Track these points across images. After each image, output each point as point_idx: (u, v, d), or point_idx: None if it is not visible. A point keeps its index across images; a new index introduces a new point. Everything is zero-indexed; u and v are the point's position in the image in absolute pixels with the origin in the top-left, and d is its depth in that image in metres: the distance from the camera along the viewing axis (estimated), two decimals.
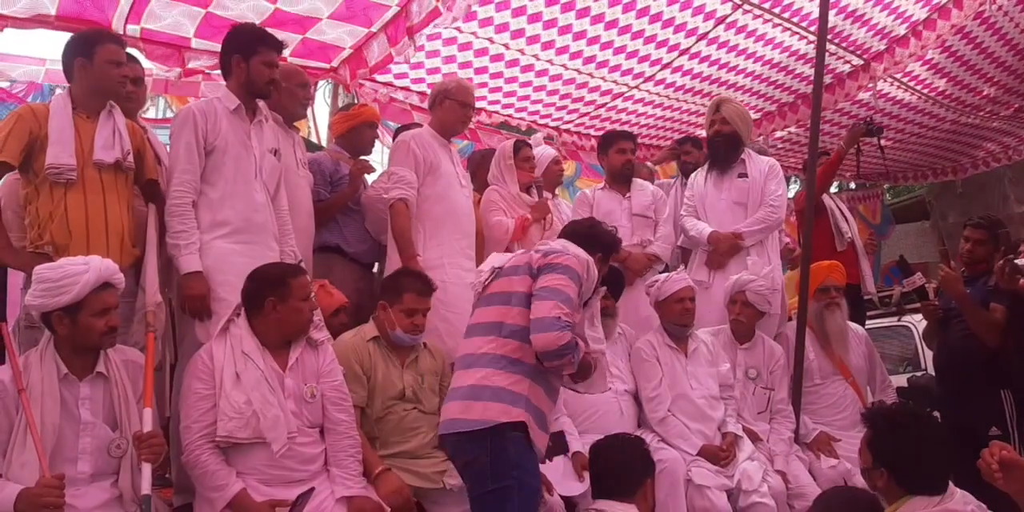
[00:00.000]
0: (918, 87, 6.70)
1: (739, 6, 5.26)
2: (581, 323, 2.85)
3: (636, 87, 6.07)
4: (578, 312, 2.78)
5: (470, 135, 6.33)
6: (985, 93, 6.98)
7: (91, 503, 2.47)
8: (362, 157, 4.24)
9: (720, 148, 4.51)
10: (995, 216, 4.36)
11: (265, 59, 3.20)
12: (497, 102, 6.00)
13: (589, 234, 2.96)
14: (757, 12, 5.36)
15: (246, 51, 3.18)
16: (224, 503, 2.60)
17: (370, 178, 4.19)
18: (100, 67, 3.00)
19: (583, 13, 5.03)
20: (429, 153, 3.75)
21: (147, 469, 2.49)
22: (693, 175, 4.71)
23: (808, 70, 5.90)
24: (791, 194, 5.99)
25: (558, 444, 3.10)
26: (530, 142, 4.64)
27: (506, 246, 4.11)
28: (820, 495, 2.78)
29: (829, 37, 5.65)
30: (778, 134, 7.02)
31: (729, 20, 5.41)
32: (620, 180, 4.69)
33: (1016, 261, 3.73)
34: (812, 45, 5.62)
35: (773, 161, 4.57)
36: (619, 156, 4.65)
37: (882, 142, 5.26)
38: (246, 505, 2.61)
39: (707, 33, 5.52)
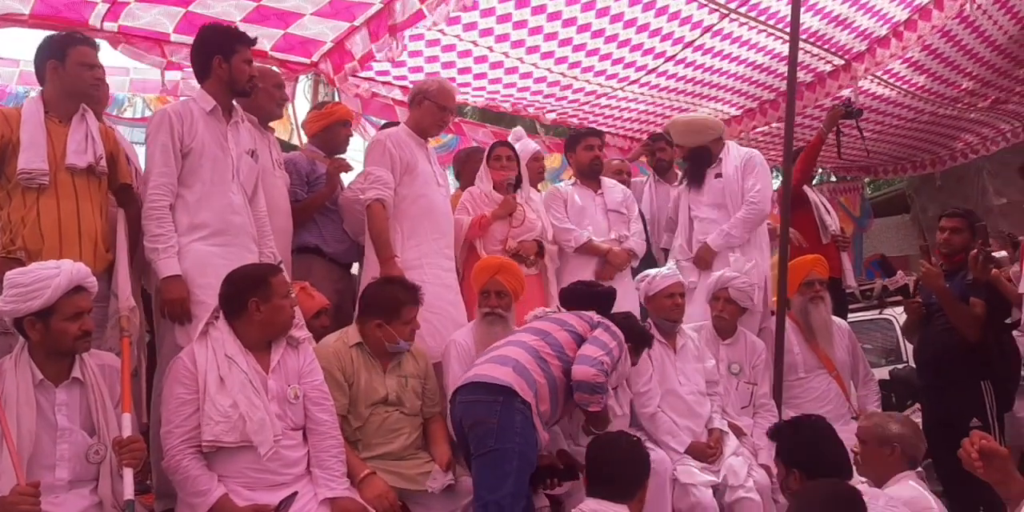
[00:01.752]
0: (898, 83, 6.74)
1: (725, 15, 5.32)
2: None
3: (620, 88, 6.12)
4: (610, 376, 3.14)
5: (454, 128, 6.32)
6: (963, 86, 7.03)
7: (70, 510, 2.44)
8: (338, 156, 4.22)
9: (690, 166, 4.60)
10: (970, 208, 4.40)
11: (245, 57, 3.20)
12: (480, 95, 5.98)
13: (627, 326, 3.37)
14: (743, 20, 5.42)
15: (226, 51, 3.16)
16: (206, 508, 2.59)
17: (347, 177, 4.17)
18: (73, 69, 2.98)
19: (569, 22, 5.07)
20: (406, 152, 3.72)
21: (128, 474, 2.47)
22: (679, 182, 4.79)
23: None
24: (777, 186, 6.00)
25: (571, 472, 3.16)
26: (509, 139, 4.63)
27: (463, 242, 4.06)
28: (800, 487, 2.79)
29: (812, 40, 5.74)
30: (759, 129, 7.05)
31: (715, 28, 5.47)
32: (590, 176, 4.66)
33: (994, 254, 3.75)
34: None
35: (752, 153, 4.55)
36: (586, 153, 4.60)
37: (860, 124, 5.30)
38: (228, 510, 2.59)
39: (693, 41, 5.59)
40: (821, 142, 5.12)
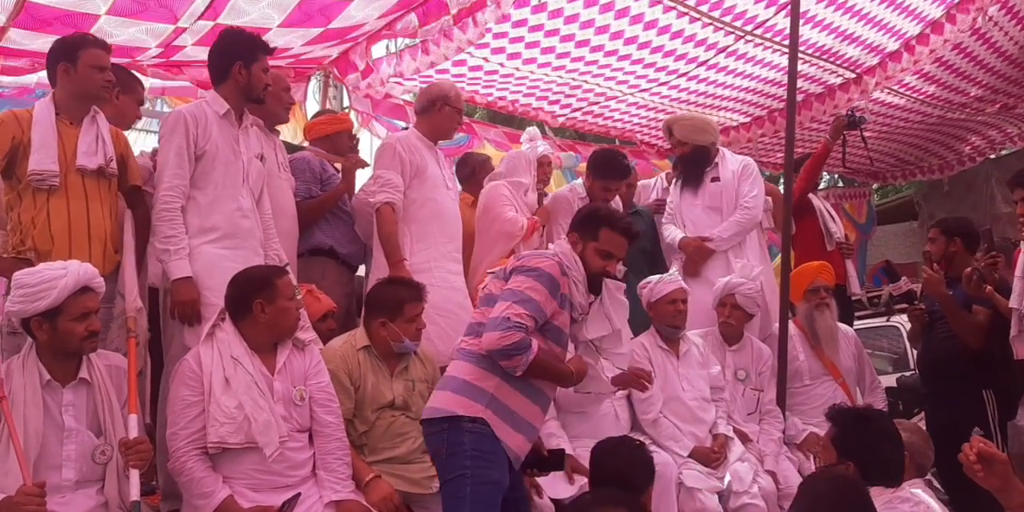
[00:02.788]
0: (906, 92, 6.74)
1: (741, 37, 5.39)
2: (566, 323, 2.88)
3: (631, 93, 6.16)
4: (561, 313, 2.81)
5: (465, 128, 6.35)
6: (972, 94, 7.03)
7: (76, 510, 2.46)
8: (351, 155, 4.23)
9: (688, 166, 4.55)
10: (964, 217, 4.46)
11: (263, 65, 3.20)
12: (490, 93, 6.00)
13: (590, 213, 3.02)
14: (758, 40, 5.49)
15: (248, 58, 3.16)
16: (211, 510, 2.59)
17: (362, 174, 4.18)
18: (83, 71, 2.99)
19: (582, 44, 5.14)
20: (415, 156, 3.73)
21: (135, 475, 2.48)
22: (673, 183, 4.74)
23: (801, 83, 5.95)
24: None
25: (555, 461, 3.08)
26: (523, 139, 4.67)
27: (515, 244, 4.07)
28: (804, 480, 2.77)
29: (824, 57, 5.80)
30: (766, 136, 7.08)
31: (730, 49, 5.54)
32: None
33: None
34: (805, 63, 5.72)
35: (748, 161, 4.56)
36: (603, 192, 4.53)
37: (864, 134, 5.33)
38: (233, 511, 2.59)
39: (707, 60, 5.67)
40: (827, 152, 5.13)
